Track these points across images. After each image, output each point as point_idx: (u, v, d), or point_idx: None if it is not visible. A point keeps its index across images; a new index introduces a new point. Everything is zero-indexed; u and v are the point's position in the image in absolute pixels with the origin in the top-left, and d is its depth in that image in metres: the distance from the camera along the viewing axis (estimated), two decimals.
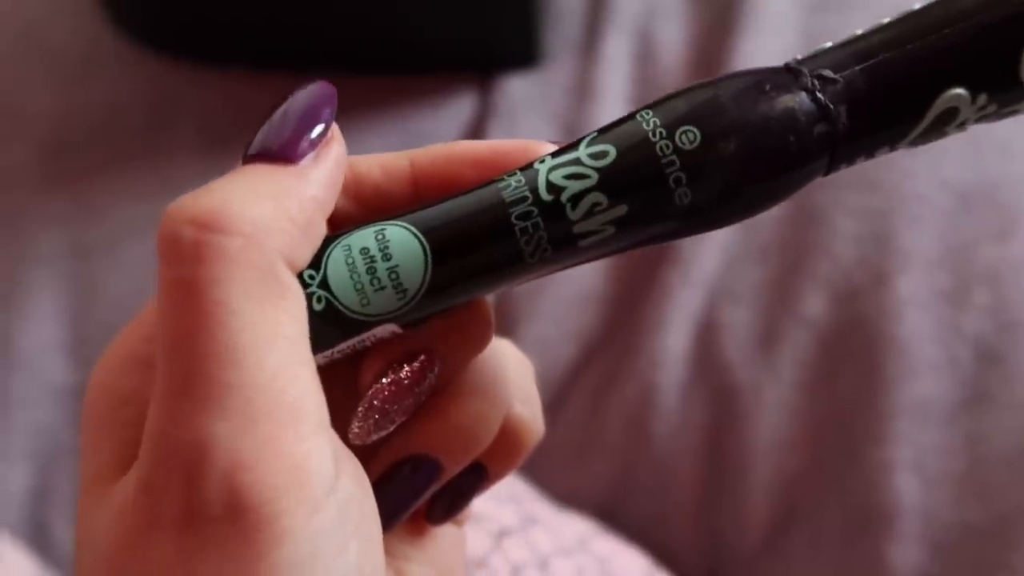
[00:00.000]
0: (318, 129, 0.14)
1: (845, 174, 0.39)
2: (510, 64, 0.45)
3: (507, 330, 0.38)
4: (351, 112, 0.43)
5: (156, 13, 0.48)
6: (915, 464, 0.33)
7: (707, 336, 0.36)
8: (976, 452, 0.33)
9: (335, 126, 0.14)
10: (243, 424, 0.12)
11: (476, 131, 0.43)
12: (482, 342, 0.16)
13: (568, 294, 0.38)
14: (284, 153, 0.13)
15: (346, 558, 0.12)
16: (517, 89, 0.44)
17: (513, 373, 0.17)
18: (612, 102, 0.43)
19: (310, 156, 0.14)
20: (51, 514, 0.38)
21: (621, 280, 0.38)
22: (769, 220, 0.38)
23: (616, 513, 0.37)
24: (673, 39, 0.46)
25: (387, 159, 0.16)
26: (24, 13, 0.49)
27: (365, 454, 0.15)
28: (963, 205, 0.35)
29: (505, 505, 0.32)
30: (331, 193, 0.14)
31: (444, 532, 0.18)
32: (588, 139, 0.14)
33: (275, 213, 0.13)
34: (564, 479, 0.37)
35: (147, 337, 0.14)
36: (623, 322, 0.37)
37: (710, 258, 0.37)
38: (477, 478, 0.17)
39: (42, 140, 0.45)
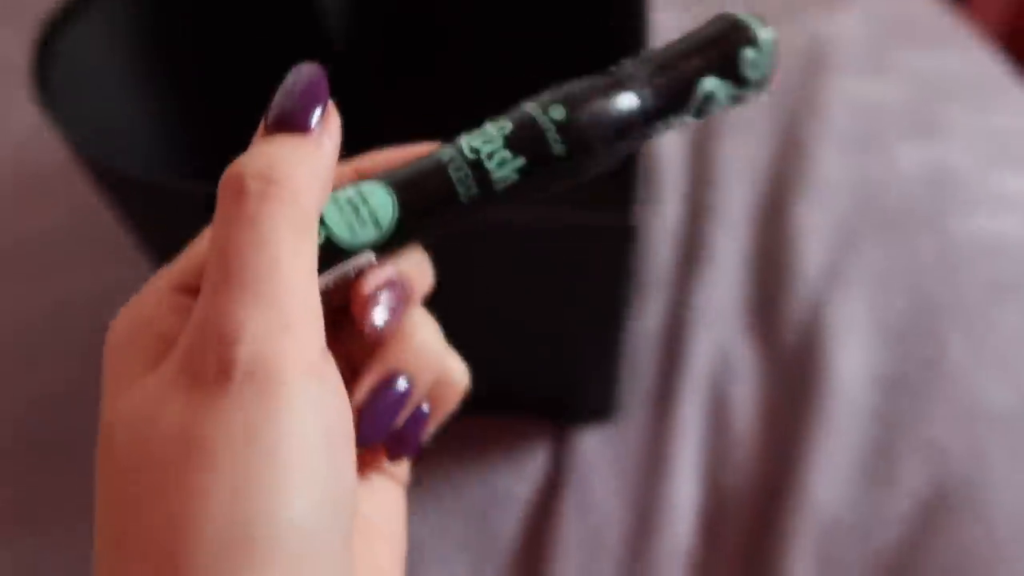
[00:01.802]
0: (321, 106, 0.18)
1: None
2: (585, 418, 0.46)
3: None
4: (434, 461, 0.44)
5: None
6: None
7: None
8: None
9: (331, 102, 0.19)
10: (269, 312, 0.16)
11: (550, 497, 0.44)
12: (429, 279, 0.21)
13: None
14: (302, 126, 0.18)
15: (330, 427, 0.16)
16: (590, 449, 0.45)
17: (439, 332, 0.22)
18: (682, 472, 0.44)
19: (319, 128, 0.18)
20: None
21: None
22: None
23: None
24: (746, 402, 0.47)
25: (338, 171, 0.21)
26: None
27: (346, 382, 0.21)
28: None
29: None
30: (336, 157, 0.19)
31: (384, 485, 0.22)
32: (491, 121, 0.21)
33: (310, 174, 0.17)
34: None
35: (181, 286, 0.19)
36: None
37: None
38: (421, 418, 0.21)
39: None
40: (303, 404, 0.16)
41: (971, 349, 0.48)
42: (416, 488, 0.45)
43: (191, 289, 0.18)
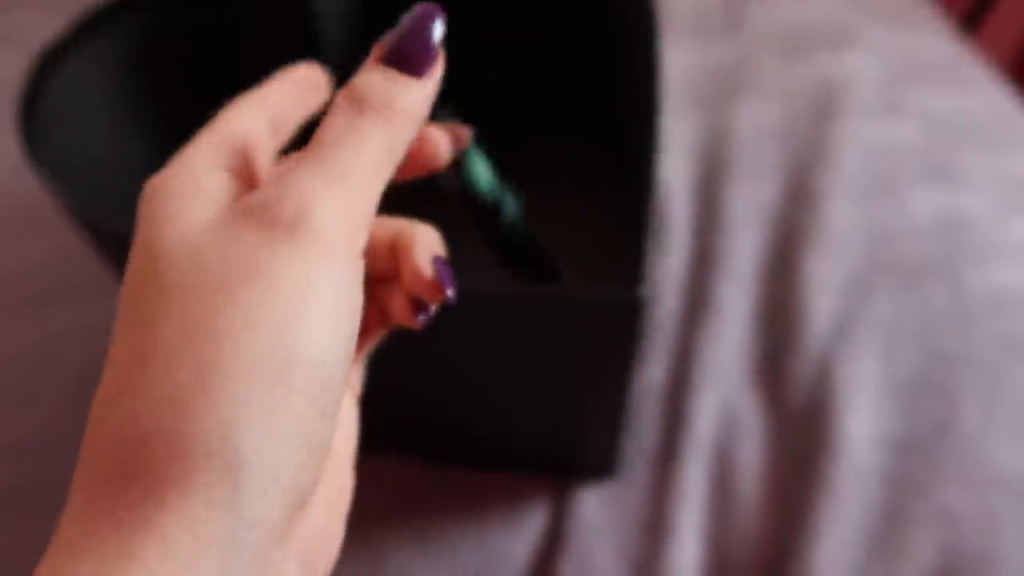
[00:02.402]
0: (433, 51, 0.21)
1: None
2: (586, 475, 0.45)
3: None
4: (429, 519, 0.43)
5: None
6: None
7: None
8: None
9: (440, 51, 0.22)
10: (342, 201, 0.19)
11: (548, 559, 0.43)
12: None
13: None
14: (416, 71, 0.21)
15: (351, 305, 0.19)
16: (590, 509, 0.44)
17: None
18: (685, 535, 0.43)
19: (428, 74, 0.21)
20: None
21: None
22: None
23: None
24: (751, 463, 0.45)
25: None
26: None
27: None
28: None
29: None
30: (434, 98, 0.22)
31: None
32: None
33: (417, 107, 0.21)
34: None
35: (233, 169, 0.21)
36: None
37: None
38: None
39: None
40: (344, 275, 0.18)
41: (984, 410, 0.47)
42: (409, 546, 0.43)
43: (241, 174, 0.21)
